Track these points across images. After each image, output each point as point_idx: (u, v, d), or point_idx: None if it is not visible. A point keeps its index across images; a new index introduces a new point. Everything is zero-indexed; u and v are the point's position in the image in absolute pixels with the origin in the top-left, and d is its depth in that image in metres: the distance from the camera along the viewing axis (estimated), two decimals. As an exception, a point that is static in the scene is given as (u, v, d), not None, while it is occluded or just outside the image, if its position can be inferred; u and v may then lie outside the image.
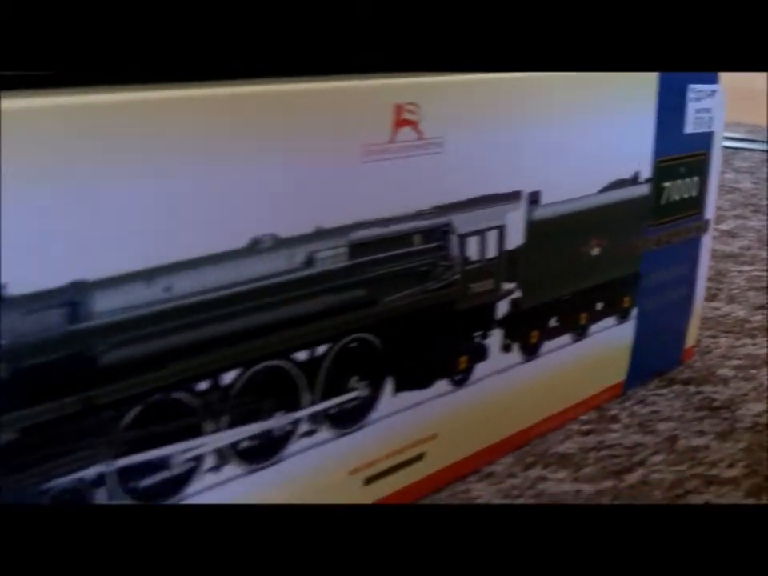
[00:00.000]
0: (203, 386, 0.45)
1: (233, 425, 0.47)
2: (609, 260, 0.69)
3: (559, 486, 0.62)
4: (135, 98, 0.40)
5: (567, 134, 0.62)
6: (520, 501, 0.60)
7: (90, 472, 0.41)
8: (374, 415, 0.54)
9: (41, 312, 0.38)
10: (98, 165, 0.39)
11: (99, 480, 0.41)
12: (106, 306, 0.40)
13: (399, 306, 0.53)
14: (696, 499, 0.60)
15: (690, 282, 0.79)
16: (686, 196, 0.75)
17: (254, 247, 0.45)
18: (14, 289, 0.37)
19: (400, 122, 0.51)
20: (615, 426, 0.70)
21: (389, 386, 0.55)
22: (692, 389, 0.76)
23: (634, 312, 0.74)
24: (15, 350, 0.37)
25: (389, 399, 0.55)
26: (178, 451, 0.45)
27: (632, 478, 0.63)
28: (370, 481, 0.55)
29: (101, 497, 0.42)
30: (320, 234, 0.48)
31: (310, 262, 0.48)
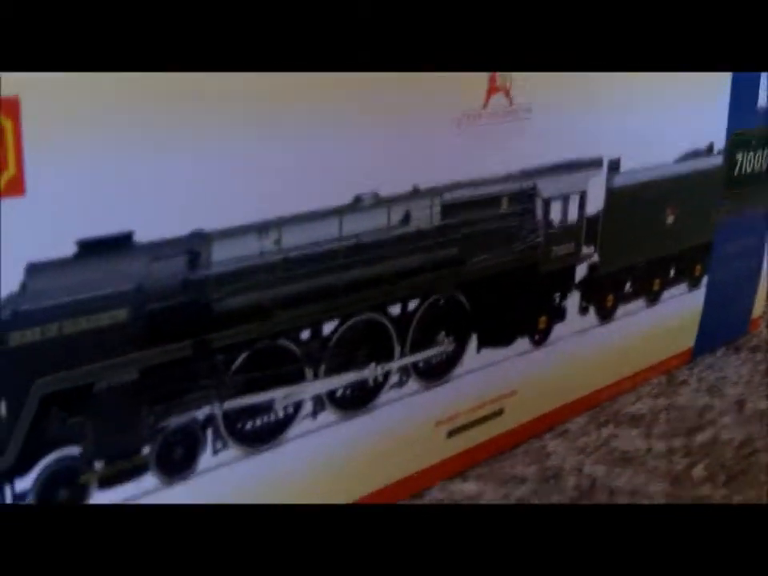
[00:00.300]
0: (305, 335, 0.47)
1: (330, 373, 0.49)
2: (683, 229, 0.71)
3: (631, 443, 0.64)
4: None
5: (646, 104, 0.64)
6: (593, 457, 0.62)
7: (200, 413, 0.44)
8: (458, 370, 0.57)
9: (164, 260, 0.40)
10: (221, 123, 0.41)
11: (208, 421, 0.44)
12: (222, 255, 0.42)
13: (485, 266, 0.56)
14: (764, 458, 0.62)
15: (759, 253, 0.81)
16: (757, 168, 0.77)
17: (357, 204, 0.47)
18: (141, 236, 0.39)
19: (493, 90, 0.53)
20: (685, 390, 0.72)
21: (473, 342, 0.57)
22: (759, 356, 0.78)
23: (705, 280, 0.75)
24: (138, 294, 0.40)
25: (472, 355, 0.57)
26: (280, 397, 0.47)
27: (702, 437, 0.65)
28: (452, 434, 0.57)
29: (208, 437, 0.44)
30: (416, 194, 0.50)
31: (406, 219, 0.50)
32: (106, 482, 0.40)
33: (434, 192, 0.51)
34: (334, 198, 0.47)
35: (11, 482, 0.37)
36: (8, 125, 0.35)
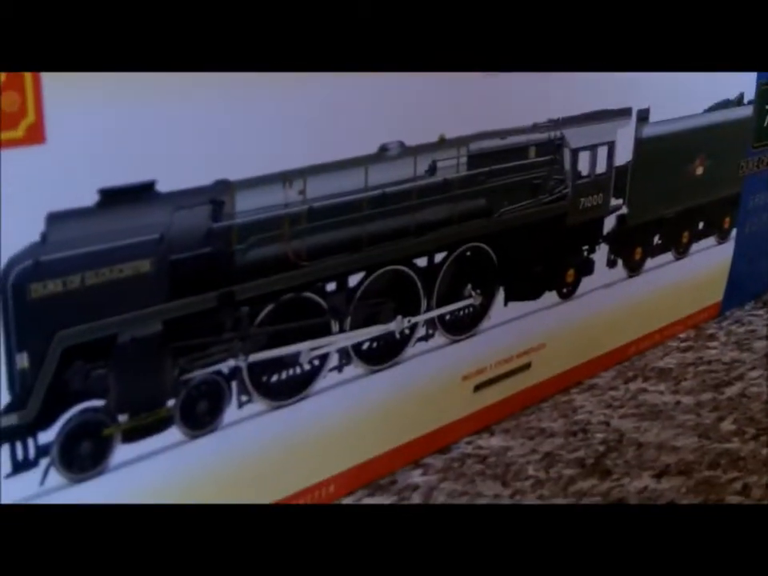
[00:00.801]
0: (331, 287, 0.46)
1: (356, 326, 0.48)
2: (712, 180, 0.70)
3: (659, 397, 0.63)
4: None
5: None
6: (621, 411, 0.61)
7: (225, 366, 0.43)
8: (486, 324, 0.56)
9: (188, 209, 0.40)
10: (244, 71, 0.40)
11: (233, 374, 0.43)
12: (246, 205, 0.41)
13: (513, 217, 0.55)
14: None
15: (789, 204, 0.79)
16: (789, 118, 0.75)
17: (382, 154, 0.46)
18: (164, 185, 0.38)
19: (520, 35, 0.52)
20: (713, 344, 0.71)
21: (500, 296, 0.56)
22: (789, 310, 0.77)
23: (734, 233, 0.74)
24: (161, 245, 0.39)
25: (500, 309, 0.56)
26: (305, 350, 0.46)
27: (731, 390, 0.64)
28: (479, 388, 0.57)
29: (233, 390, 0.44)
30: (442, 143, 0.49)
31: (432, 170, 0.49)
32: (130, 436, 0.40)
33: (460, 141, 0.50)
34: (359, 148, 0.45)
35: (34, 435, 0.37)
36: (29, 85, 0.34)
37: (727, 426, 0.59)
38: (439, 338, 0.53)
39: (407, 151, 0.48)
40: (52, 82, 0.34)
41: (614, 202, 0.62)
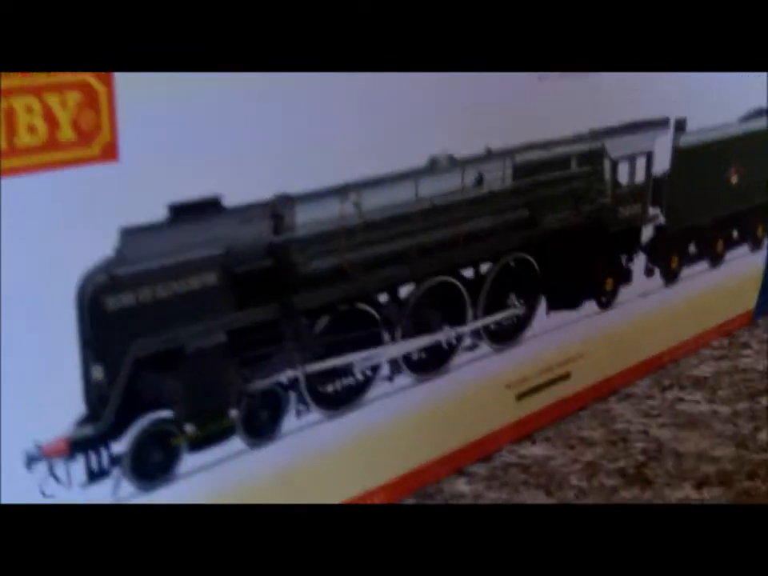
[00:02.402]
0: (383, 298, 0.47)
1: (406, 336, 0.49)
2: (747, 189, 0.70)
3: (696, 406, 0.63)
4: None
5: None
6: (659, 420, 0.61)
7: (285, 376, 0.44)
8: (528, 333, 0.56)
9: (250, 222, 0.40)
10: (297, 89, 0.41)
11: (291, 384, 0.44)
12: (305, 219, 0.42)
13: (556, 227, 0.55)
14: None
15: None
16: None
17: (433, 166, 0.47)
18: (228, 200, 0.39)
19: (564, 48, 0.53)
20: (746, 352, 0.72)
21: (542, 305, 0.57)
22: (820, 318, 0.78)
23: (767, 242, 0.75)
24: (226, 258, 0.40)
25: (542, 318, 0.57)
26: (359, 359, 0.47)
27: (767, 400, 0.65)
28: (521, 396, 0.57)
29: (291, 400, 0.44)
30: (489, 155, 0.50)
31: (479, 181, 0.50)
32: (197, 445, 0.40)
33: (506, 153, 0.51)
34: (409, 160, 0.46)
35: (107, 445, 0.37)
36: (102, 90, 0.35)
37: (765, 436, 0.60)
38: (484, 348, 0.54)
39: (456, 163, 0.48)
40: (125, 100, 0.35)
41: (652, 211, 0.62)
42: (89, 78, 0.34)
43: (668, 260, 0.65)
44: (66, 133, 0.34)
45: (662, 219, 0.63)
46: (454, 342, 0.52)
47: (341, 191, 0.43)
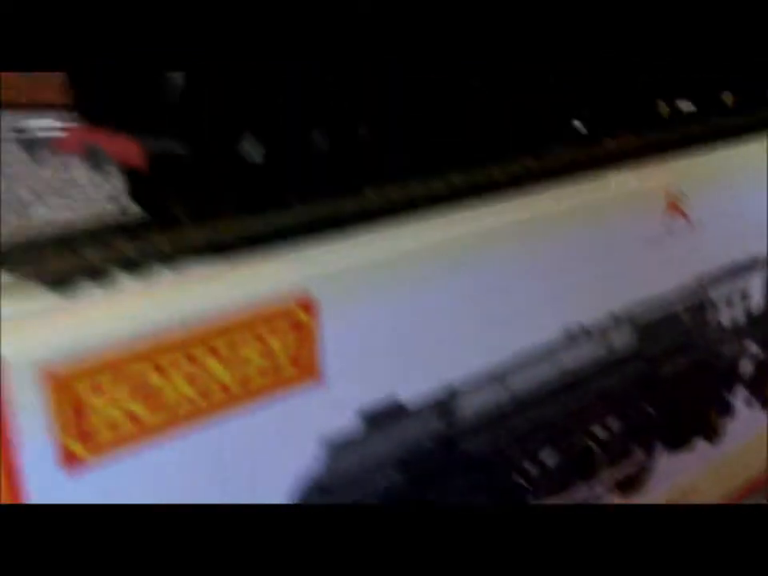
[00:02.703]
0: (531, 467, 0.50)
1: (551, 495, 0.52)
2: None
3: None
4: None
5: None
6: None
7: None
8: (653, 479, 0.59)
9: (424, 417, 0.43)
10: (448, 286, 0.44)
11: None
12: (467, 407, 0.45)
13: (669, 375, 0.58)
14: None
15: None
16: None
17: (567, 338, 0.50)
18: (404, 397, 0.42)
19: (672, 209, 0.56)
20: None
21: (660, 450, 0.60)
22: None
23: None
24: (408, 455, 0.43)
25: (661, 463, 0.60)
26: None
27: None
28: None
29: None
30: (616, 321, 0.53)
31: (610, 348, 0.53)
32: None
33: (629, 317, 0.54)
34: (545, 334, 0.49)
35: None
36: (309, 321, 0.38)
37: None
38: (609, 496, 0.56)
39: (586, 332, 0.51)
40: (328, 327, 0.38)
41: (750, 346, 0.65)
42: (296, 308, 0.38)
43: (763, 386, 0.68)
44: (280, 360, 0.37)
45: (759, 353, 0.66)
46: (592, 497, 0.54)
47: (496, 375, 0.46)
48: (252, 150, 0.38)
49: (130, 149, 0.36)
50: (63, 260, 0.37)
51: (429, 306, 0.43)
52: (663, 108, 0.59)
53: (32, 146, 0.40)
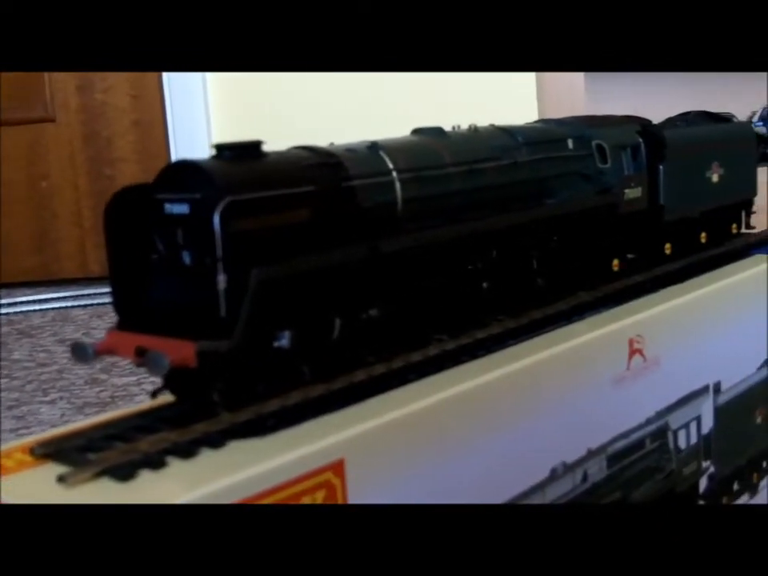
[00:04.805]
0: None
1: None
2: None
3: None
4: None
5: (736, 331, 0.74)
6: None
7: None
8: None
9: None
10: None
11: None
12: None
13: (638, 499, 0.65)
14: None
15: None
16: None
17: (553, 476, 0.57)
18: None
19: (633, 352, 0.63)
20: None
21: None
22: None
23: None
24: None
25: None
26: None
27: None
28: None
29: None
30: (590, 455, 0.60)
31: (584, 479, 0.60)
32: None
33: (601, 450, 0.61)
34: (537, 474, 0.56)
35: None
36: (337, 482, 0.44)
37: None
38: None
39: (568, 468, 0.58)
40: (354, 486, 0.44)
41: (704, 464, 0.72)
42: (330, 476, 0.44)
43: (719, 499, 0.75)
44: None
45: (712, 469, 0.73)
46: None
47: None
48: (285, 341, 0.44)
49: (184, 350, 0.43)
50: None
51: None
52: (615, 263, 0.67)
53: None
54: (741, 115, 0.99)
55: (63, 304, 1.79)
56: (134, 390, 1.19)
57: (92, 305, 1.75)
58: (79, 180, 2.04)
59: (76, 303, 1.79)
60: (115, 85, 2.02)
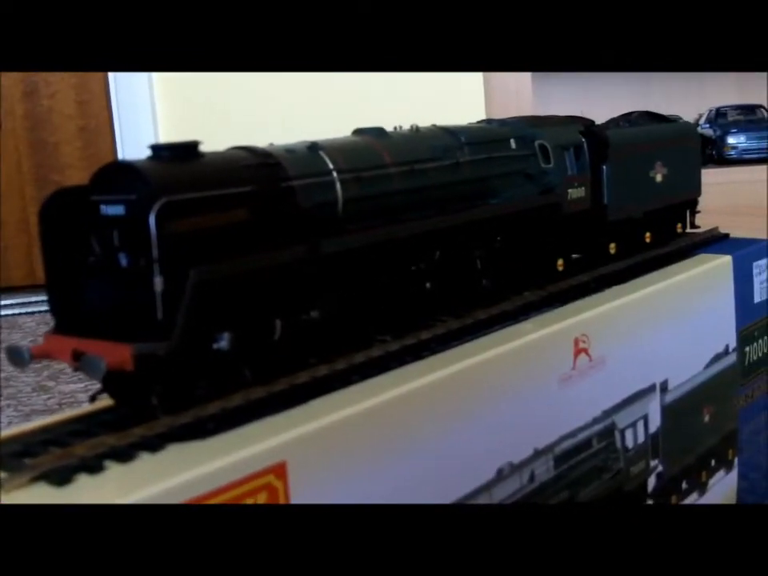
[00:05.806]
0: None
1: None
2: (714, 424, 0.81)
3: None
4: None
5: (682, 330, 0.75)
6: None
7: None
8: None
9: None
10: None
11: None
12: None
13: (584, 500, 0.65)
14: None
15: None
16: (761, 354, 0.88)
17: (500, 476, 0.57)
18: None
19: (578, 351, 0.63)
20: None
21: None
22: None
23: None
24: None
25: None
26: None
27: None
28: None
29: None
30: (537, 454, 0.60)
31: (531, 478, 0.59)
32: None
33: (548, 449, 0.61)
34: (483, 474, 0.56)
35: None
36: (279, 485, 0.44)
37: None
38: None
39: (515, 468, 0.58)
40: (297, 490, 0.43)
41: (652, 463, 0.72)
42: (272, 479, 0.43)
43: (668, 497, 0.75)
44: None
45: (661, 468, 0.73)
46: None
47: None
48: (224, 343, 0.44)
49: (120, 352, 0.42)
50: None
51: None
52: (559, 263, 0.67)
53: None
54: (686, 117, 1.00)
55: (11, 311, 1.77)
56: (82, 398, 1.18)
57: (39, 312, 1.73)
58: (26, 187, 2.02)
59: (23, 311, 1.77)
60: (61, 90, 2.01)
